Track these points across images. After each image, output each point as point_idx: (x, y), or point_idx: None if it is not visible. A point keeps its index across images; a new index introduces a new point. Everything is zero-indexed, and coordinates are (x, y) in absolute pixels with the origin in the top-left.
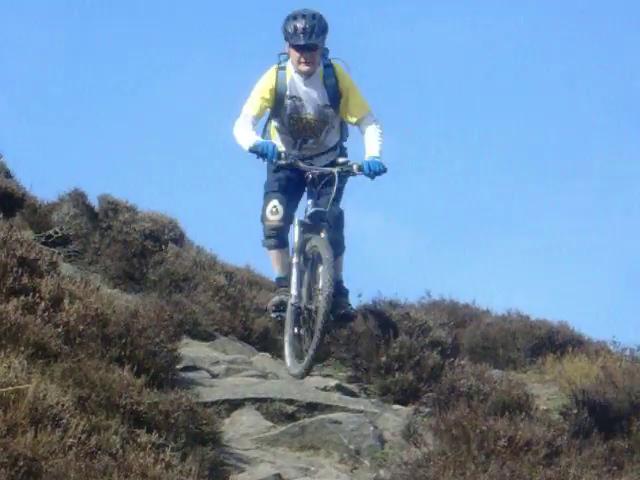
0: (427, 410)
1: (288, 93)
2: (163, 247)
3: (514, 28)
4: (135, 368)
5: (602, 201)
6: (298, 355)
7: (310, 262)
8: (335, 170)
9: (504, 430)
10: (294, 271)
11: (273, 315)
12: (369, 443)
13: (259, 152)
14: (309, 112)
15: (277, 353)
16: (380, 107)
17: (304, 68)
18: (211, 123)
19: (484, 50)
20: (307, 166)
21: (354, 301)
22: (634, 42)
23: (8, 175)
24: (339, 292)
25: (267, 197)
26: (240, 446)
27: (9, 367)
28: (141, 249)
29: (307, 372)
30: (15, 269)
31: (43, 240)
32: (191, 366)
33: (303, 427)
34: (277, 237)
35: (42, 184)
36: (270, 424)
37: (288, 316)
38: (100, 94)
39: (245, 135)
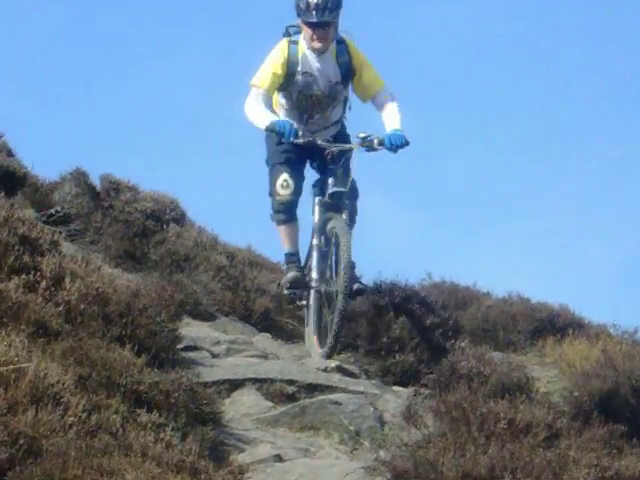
0: (427, 392)
1: (300, 69)
2: (164, 227)
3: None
4: (136, 347)
5: (601, 184)
6: (323, 337)
7: (330, 243)
8: (355, 146)
9: (504, 412)
10: (314, 254)
11: (286, 292)
12: (369, 424)
13: (276, 131)
14: (320, 88)
15: (278, 334)
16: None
17: (317, 45)
18: (211, 103)
19: (483, 36)
20: (327, 144)
21: None
22: (631, 29)
23: (10, 154)
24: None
25: (275, 170)
26: (240, 426)
27: (10, 345)
28: (142, 229)
29: (332, 353)
30: (16, 248)
31: (44, 219)
32: (192, 346)
33: (303, 408)
34: (287, 211)
35: (44, 163)
36: (270, 404)
37: (312, 301)
38: (102, 74)
39: (259, 113)
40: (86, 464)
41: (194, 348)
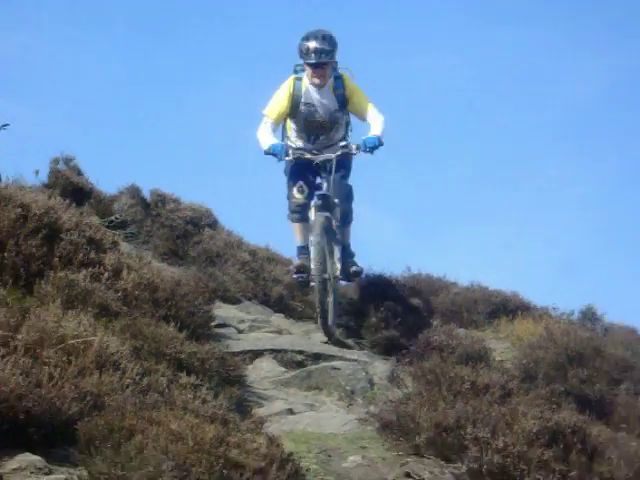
0: (407, 360)
1: (303, 100)
2: (201, 231)
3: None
4: (178, 325)
5: (543, 198)
6: (327, 319)
7: (324, 238)
8: (334, 155)
9: (468, 376)
10: (312, 248)
11: (295, 276)
12: (362, 385)
13: (271, 153)
14: (321, 116)
15: (290, 314)
16: None
17: (316, 81)
18: (238, 132)
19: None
20: (312, 155)
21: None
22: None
23: (79, 173)
24: (348, 254)
25: (292, 179)
26: (260, 387)
27: (79, 323)
28: (183, 232)
29: (333, 331)
30: (84, 246)
31: (106, 224)
32: (222, 324)
33: (310, 372)
34: (301, 212)
35: (106, 180)
36: (284, 369)
37: (316, 291)
38: (151, 107)
39: (264, 139)
40: (139, 416)
41: (224, 325)
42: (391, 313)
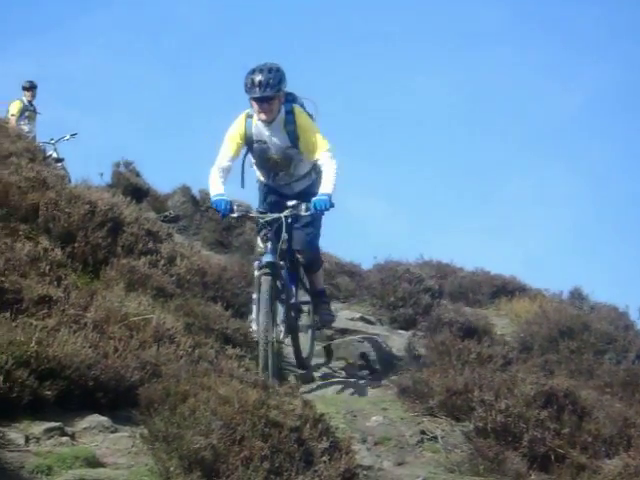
0: (421, 334)
1: (255, 138)
2: (243, 223)
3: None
4: (224, 304)
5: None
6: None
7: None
8: (283, 215)
9: (474, 347)
10: (253, 307)
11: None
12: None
13: (214, 208)
14: (274, 153)
15: None
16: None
17: (262, 117)
18: None
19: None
20: (257, 214)
21: (370, 262)
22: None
23: (138, 175)
24: (321, 299)
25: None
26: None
27: (140, 303)
28: (228, 225)
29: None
30: (144, 237)
31: (162, 219)
32: None
33: (337, 345)
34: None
35: (161, 181)
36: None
37: (259, 352)
38: (200, 115)
39: (213, 186)
40: (192, 382)
41: None
42: (407, 294)
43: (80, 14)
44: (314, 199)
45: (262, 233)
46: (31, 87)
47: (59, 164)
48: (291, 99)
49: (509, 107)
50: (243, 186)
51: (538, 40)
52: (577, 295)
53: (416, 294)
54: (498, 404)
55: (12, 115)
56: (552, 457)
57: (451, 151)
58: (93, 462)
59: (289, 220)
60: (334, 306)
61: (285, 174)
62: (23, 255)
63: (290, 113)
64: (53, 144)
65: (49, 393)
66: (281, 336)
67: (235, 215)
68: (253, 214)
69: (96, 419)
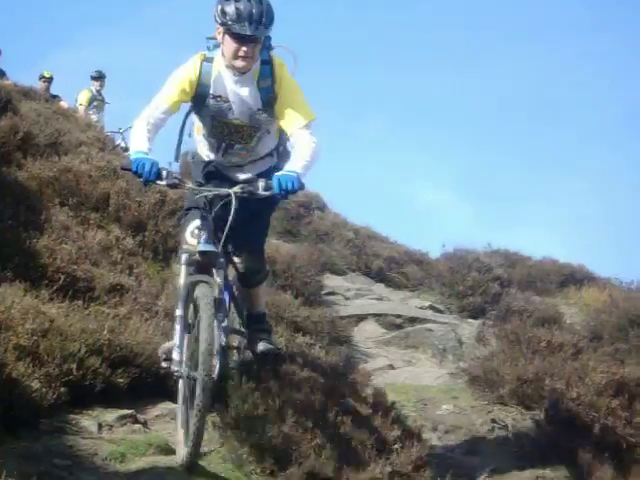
0: (491, 323)
1: (212, 91)
2: (311, 212)
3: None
4: (294, 292)
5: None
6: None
7: (195, 315)
8: (232, 191)
9: (544, 336)
10: (177, 327)
11: (164, 365)
12: (452, 344)
13: (132, 171)
14: (237, 117)
15: (388, 284)
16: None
17: (240, 64)
18: (342, 125)
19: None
20: (197, 187)
21: (438, 250)
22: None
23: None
24: (260, 327)
25: (188, 208)
26: (364, 346)
27: None
28: (297, 214)
29: (192, 458)
30: None
31: None
32: (331, 292)
33: (407, 333)
34: (195, 266)
35: None
36: (385, 331)
37: (179, 386)
38: None
39: (135, 140)
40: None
41: (333, 293)
42: (476, 282)
43: (145, 5)
44: (277, 175)
45: (194, 225)
46: (100, 77)
47: (127, 153)
48: (267, 45)
49: (579, 97)
50: (177, 159)
51: None
52: None
53: (485, 283)
54: (569, 393)
55: (81, 104)
56: (623, 446)
57: (519, 140)
58: (166, 449)
59: (238, 201)
60: (402, 294)
61: (242, 148)
62: (95, 244)
63: (267, 64)
64: (121, 133)
65: (121, 381)
66: (215, 372)
67: (164, 183)
68: (190, 185)
69: (168, 407)
